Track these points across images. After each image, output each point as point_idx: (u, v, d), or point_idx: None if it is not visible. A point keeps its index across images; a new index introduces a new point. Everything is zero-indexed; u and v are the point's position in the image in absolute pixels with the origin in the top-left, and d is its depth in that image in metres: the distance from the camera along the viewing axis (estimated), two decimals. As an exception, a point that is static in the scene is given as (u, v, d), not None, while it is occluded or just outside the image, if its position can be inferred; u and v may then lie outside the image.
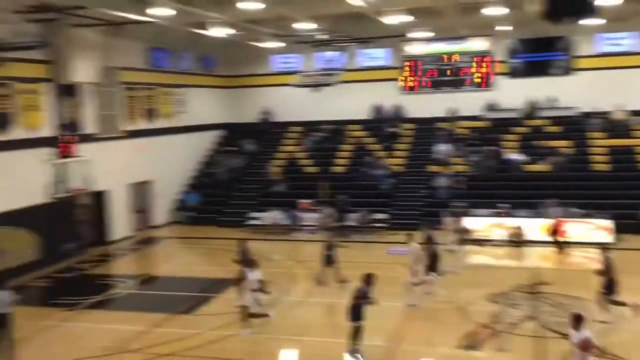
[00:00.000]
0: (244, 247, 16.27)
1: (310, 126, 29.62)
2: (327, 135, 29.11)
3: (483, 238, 21.28)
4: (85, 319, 14.92)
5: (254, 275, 13.53)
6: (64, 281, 18.41)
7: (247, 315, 13.32)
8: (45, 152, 16.81)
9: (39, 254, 19.11)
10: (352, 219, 23.72)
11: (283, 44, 27.00)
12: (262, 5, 17.32)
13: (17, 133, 18.33)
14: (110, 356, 12.50)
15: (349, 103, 29.02)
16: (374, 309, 12.01)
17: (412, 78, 29.09)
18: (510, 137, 26.61)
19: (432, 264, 15.30)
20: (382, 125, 28.71)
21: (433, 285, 15.30)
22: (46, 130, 18.88)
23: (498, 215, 22.15)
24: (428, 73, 28.92)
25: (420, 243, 15.94)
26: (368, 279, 12.00)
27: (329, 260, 16.77)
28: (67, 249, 20.38)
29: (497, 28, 24.87)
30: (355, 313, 11.72)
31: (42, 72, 18.74)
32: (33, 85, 19.07)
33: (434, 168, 25.97)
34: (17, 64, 16.97)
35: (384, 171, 26.10)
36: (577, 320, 9.14)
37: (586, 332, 9.04)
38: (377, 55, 29.07)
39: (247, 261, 14.39)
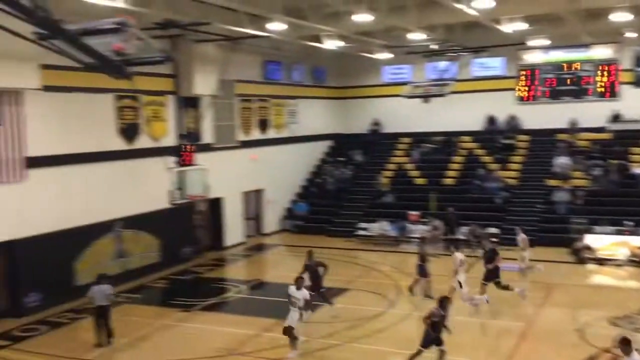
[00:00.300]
0: (308, 261, 15.73)
1: (420, 137, 29.29)
2: (437, 147, 28.64)
3: (604, 257, 19.97)
4: (200, 320, 15.58)
5: (299, 294, 12.94)
6: (181, 283, 19.37)
7: (292, 335, 12.69)
8: (167, 160, 17.83)
9: (159, 257, 20.29)
10: (462, 232, 23.11)
11: (393, 55, 26.95)
12: (374, 17, 17.41)
13: (143, 142, 19.62)
14: (222, 357, 12.97)
15: (461, 114, 28.38)
16: (489, 329, 11.62)
17: (529, 87, 27.96)
18: (636, 150, 24.80)
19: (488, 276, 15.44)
20: (496, 136, 27.80)
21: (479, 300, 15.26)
22: (169, 139, 20.04)
23: (621, 233, 20.71)
24: (546, 82, 27.65)
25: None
26: (442, 302, 11.50)
27: (421, 272, 16.44)
28: (185, 252, 21.48)
29: (624, 35, 23.36)
30: (426, 337, 11.25)
31: (166, 85, 19.96)
32: (158, 97, 20.37)
33: (552, 182, 24.75)
34: (143, 77, 18.22)
35: (497, 184, 25.24)
36: (625, 344, 8.59)
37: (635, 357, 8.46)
38: (492, 65, 28.21)
39: (296, 279, 13.58)
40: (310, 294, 13.33)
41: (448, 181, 26.74)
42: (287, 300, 13.05)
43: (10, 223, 15.57)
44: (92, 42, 7.58)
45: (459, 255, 15.81)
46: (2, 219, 15.40)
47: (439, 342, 11.22)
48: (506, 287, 15.84)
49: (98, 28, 7.50)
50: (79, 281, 17.15)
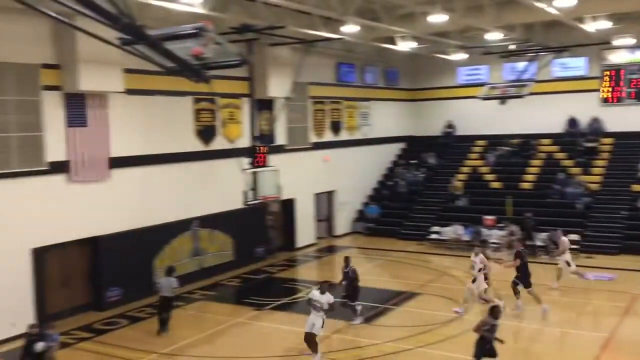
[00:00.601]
0: (345, 268, 15.38)
1: (496, 140, 28.55)
2: (514, 150, 27.82)
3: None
4: (272, 319, 15.80)
5: (323, 298, 12.69)
6: (254, 282, 19.72)
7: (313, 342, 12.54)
8: (241, 161, 18.20)
9: (233, 256, 20.75)
10: (540, 238, 22.32)
11: (467, 56, 26.42)
12: (450, 17, 17.13)
13: (219, 143, 20.13)
14: (293, 357, 13.09)
15: (540, 116, 27.45)
16: (571, 339, 11.15)
17: (613, 89, 26.68)
18: None
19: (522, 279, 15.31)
20: (577, 139, 26.70)
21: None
22: (243, 141, 20.46)
23: None
24: (631, 83, 26.31)
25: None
26: (493, 311, 10.92)
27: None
28: (257, 252, 21.86)
29: None
30: (479, 348, 10.76)
31: (242, 88, 20.39)
32: (234, 100, 20.85)
33: (638, 187, 23.51)
34: (220, 80, 18.68)
35: (578, 189, 24.22)
36: None
37: None
38: (574, 65, 27.11)
39: (321, 283, 13.35)
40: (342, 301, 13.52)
41: (525, 185, 25.92)
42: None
43: (95, 220, 16.34)
44: (173, 46, 7.83)
45: (482, 257, 15.57)
46: (88, 215, 16.18)
47: (492, 354, 10.73)
48: (516, 292, 15.53)
49: (178, 33, 7.74)
50: (157, 277, 17.80)
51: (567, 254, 17.44)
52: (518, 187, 25.81)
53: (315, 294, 12.82)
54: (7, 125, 14.33)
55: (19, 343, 14.15)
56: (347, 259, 15.60)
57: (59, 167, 15.48)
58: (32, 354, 11.32)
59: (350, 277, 15.16)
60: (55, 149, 15.35)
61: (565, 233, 18.38)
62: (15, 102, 14.49)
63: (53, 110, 15.30)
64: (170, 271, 14.93)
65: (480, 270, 15.36)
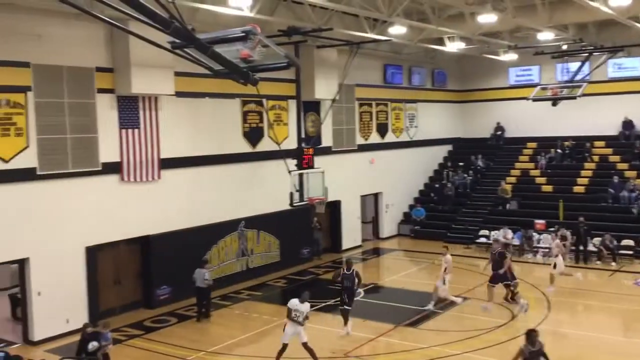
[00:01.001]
0: (347, 271, 14.69)
1: (547, 142, 27.88)
2: (566, 152, 27.10)
3: None
4: (317, 320, 15.74)
5: (303, 307, 12.49)
6: (300, 283, 19.79)
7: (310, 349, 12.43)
8: (288, 163, 18.31)
9: (279, 257, 20.89)
10: (593, 243, 21.66)
11: (517, 56, 25.89)
12: (500, 17, 16.84)
13: (265, 145, 20.31)
14: (337, 359, 13.08)
15: (594, 118, 26.67)
16: (620, 346, 10.77)
17: (672, 89, 25.68)
18: None
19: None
20: (634, 142, 25.80)
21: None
22: (290, 143, 20.58)
23: None
24: (693, 83, 25.29)
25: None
26: (529, 337, 10.02)
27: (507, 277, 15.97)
28: (303, 253, 21.96)
29: None
30: None
31: (288, 90, 20.52)
32: (280, 102, 21.01)
33: (698, 192, 22.58)
34: (267, 83, 18.85)
35: (633, 193, 23.40)
36: None
37: None
38: (630, 65, 26.23)
39: (303, 292, 13.02)
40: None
41: (578, 189, 25.22)
42: (403, 305, 12.87)
43: (145, 219, 16.73)
44: (222, 50, 7.93)
45: (449, 258, 16.28)
46: (139, 215, 16.58)
47: None
48: (513, 294, 15.71)
49: (227, 36, 7.83)
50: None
51: (559, 257, 17.76)
52: (570, 190, 25.14)
53: (294, 302, 12.56)
54: (63, 126, 14.83)
55: (73, 339, 14.64)
56: (349, 263, 15.02)
57: (111, 168, 15.91)
58: (86, 352, 11.66)
59: (352, 281, 14.59)
60: (108, 150, 15.80)
61: (557, 236, 19.53)
62: (72, 104, 14.98)
63: (107, 113, 15.75)
64: (203, 263, 15.79)
65: (445, 270, 15.97)
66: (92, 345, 11.68)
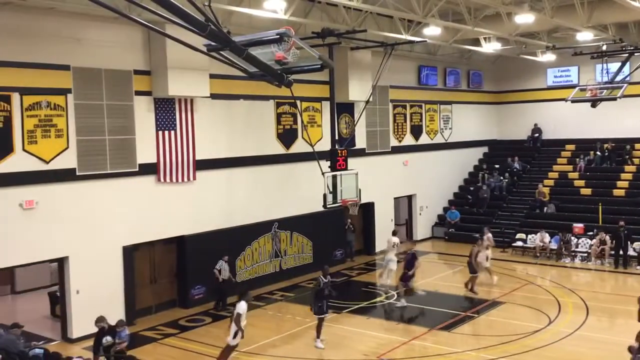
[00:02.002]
0: (324, 277, 14.38)
1: (586, 144, 27.30)
2: (606, 155, 26.49)
3: None
4: (350, 322, 15.78)
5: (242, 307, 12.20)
6: (332, 285, 19.73)
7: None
8: (321, 164, 18.33)
9: (312, 258, 20.92)
10: (633, 247, 21.11)
11: (554, 57, 25.42)
12: (538, 17, 16.57)
13: (299, 147, 20.37)
14: (370, 362, 13.04)
15: (634, 119, 26.02)
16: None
17: None
18: None
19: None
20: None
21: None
22: (323, 144, 20.60)
23: None
24: None
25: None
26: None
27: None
28: (336, 255, 21.94)
29: None
30: None
31: (322, 92, 20.54)
32: (314, 103, 21.05)
33: None
34: (301, 85, 18.91)
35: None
36: None
37: None
38: (672, 65, 25.48)
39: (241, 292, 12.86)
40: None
41: (618, 192, 24.62)
42: (437, 309, 12.75)
43: (181, 220, 16.94)
44: (256, 52, 7.97)
45: (394, 239, 18.32)
46: (175, 216, 16.80)
47: None
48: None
49: (262, 39, 7.86)
50: (239, 277, 18.24)
51: (489, 250, 19.25)
52: (610, 194, 24.57)
53: (242, 305, 12.28)
54: (102, 128, 15.12)
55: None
56: (325, 269, 14.60)
57: (148, 169, 16.16)
58: (102, 347, 11.76)
59: (330, 287, 14.38)
60: (145, 152, 16.05)
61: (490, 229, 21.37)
62: (110, 106, 15.27)
63: (144, 114, 16.01)
64: (225, 257, 17.07)
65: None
66: (106, 340, 11.72)
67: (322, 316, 14.12)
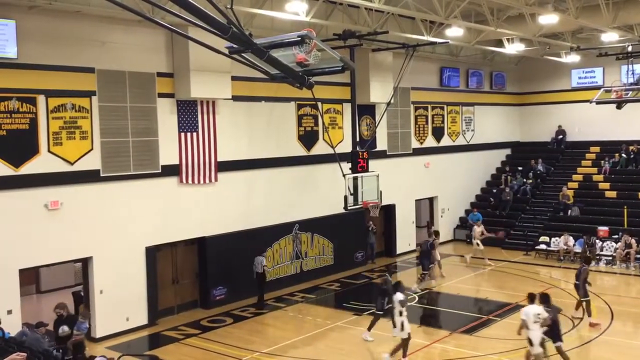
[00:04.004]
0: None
1: (611, 146, 26.90)
2: (631, 157, 26.06)
3: None
4: (368, 324, 15.72)
5: None
6: (353, 287, 19.75)
7: None
8: (342, 166, 18.32)
9: (333, 260, 20.92)
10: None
11: (578, 58, 25.10)
12: (562, 18, 16.38)
13: (320, 148, 20.38)
14: (391, 364, 12.98)
15: (661, 121, 25.59)
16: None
17: None
18: None
19: None
20: None
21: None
22: (344, 146, 20.59)
23: None
24: None
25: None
26: None
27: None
28: (357, 257, 21.90)
29: None
30: None
31: (343, 94, 20.53)
32: (335, 105, 21.05)
33: None
34: (322, 86, 18.92)
35: None
36: None
37: None
38: (700, 66, 25.01)
39: None
40: None
41: (644, 195, 24.23)
42: (459, 312, 12.63)
43: (203, 221, 17.06)
44: (278, 54, 7.99)
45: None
46: (197, 217, 16.92)
47: None
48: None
49: (284, 41, 7.88)
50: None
51: (478, 240, 21.89)
52: (635, 196, 24.14)
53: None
54: (126, 130, 15.30)
55: (133, 336, 15.08)
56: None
57: (171, 171, 16.30)
58: (57, 337, 11.31)
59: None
60: (168, 153, 16.20)
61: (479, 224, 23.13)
62: (134, 108, 15.45)
63: (167, 116, 16.16)
64: (260, 251, 17.73)
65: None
66: (62, 330, 11.19)
67: (380, 312, 14.49)
